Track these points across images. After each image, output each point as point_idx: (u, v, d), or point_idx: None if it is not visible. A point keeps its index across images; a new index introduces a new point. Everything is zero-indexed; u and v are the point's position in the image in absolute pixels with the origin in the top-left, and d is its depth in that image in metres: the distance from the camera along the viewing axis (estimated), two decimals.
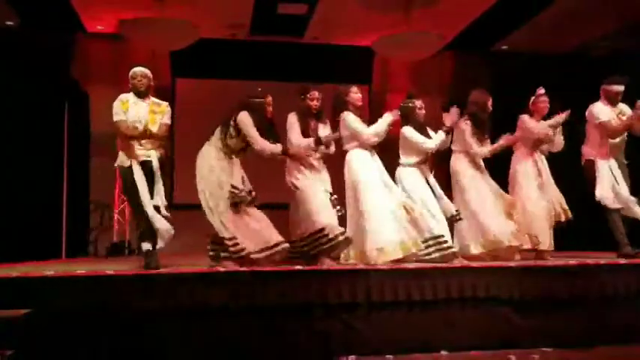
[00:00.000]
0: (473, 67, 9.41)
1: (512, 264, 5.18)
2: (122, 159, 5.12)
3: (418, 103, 5.78)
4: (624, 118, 5.92)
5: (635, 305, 4.93)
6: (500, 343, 4.66)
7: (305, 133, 5.54)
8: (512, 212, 5.86)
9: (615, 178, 5.87)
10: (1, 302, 4.14)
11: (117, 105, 5.12)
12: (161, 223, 5.00)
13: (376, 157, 5.63)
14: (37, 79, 7.89)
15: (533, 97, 6.13)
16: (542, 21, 8.32)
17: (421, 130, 5.75)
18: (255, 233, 5.06)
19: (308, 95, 5.61)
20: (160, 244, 5.03)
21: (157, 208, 5.03)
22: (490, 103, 5.96)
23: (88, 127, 8.49)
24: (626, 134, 6.03)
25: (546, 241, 5.89)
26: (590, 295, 4.88)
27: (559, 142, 6.10)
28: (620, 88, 5.99)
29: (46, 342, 4.16)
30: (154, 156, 5.11)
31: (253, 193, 5.17)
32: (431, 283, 4.68)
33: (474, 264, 5.17)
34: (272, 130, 5.32)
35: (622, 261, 5.27)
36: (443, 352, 4.58)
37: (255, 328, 4.47)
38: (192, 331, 4.39)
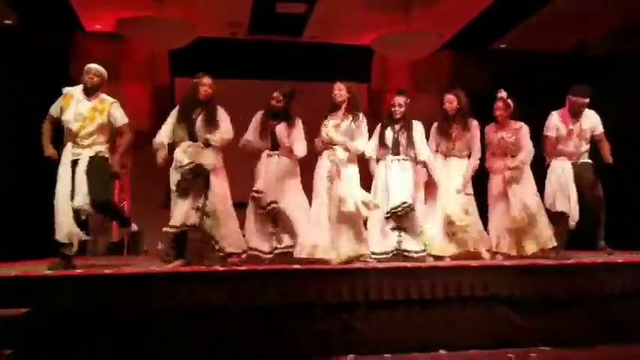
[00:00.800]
0: (471, 66, 9.39)
1: (509, 263, 5.19)
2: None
3: (395, 99, 5.78)
4: (574, 133, 5.90)
5: (634, 304, 4.94)
6: (499, 342, 4.68)
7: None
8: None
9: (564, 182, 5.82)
10: (0, 301, 4.13)
11: (59, 99, 5.21)
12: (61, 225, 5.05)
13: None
14: (35, 78, 7.86)
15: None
16: (540, 20, 8.31)
17: (391, 124, 5.75)
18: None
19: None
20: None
21: (77, 211, 5.07)
22: (447, 99, 5.92)
23: None
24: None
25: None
26: (589, 294, 4.90)
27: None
28: (585, 101, 5.92)
29: (45, 341, 4.17)
30: (85, 155, 5.08)
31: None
32: (429, 283, 4.70)
33: (473, 263, 5.17)
34: (207, 112, 5.36)
35: (620, 260, 5.27)
36: (442, 352, 4.60)
37: (255, 328, 4.48)
38: (192, 331, 4.40)
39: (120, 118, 5.23)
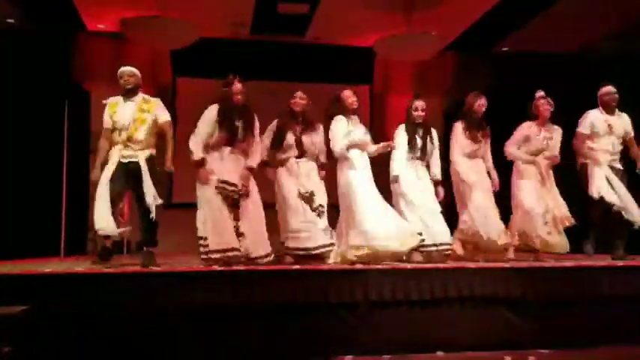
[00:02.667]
0: (474, 68, 9.39)
1: (509, 265, 5.18)
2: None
3: (417, 104, 5.79)
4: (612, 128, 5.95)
5: (634, 306, 4.92)
6: (498, 343, 4.66)
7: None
8: None
9: (610, 181, 5.86)
10: (0, 299, 4.13)
11: (107, 109, 5.18)
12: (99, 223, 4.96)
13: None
14: (37, 78, 7.87)
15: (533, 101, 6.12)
16: (543, 22, 8.31)
17: (414, 131, 5.76)
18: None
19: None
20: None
21: (147, 210, 5.02)
22: (480, 103, 5.93)
23: (89, 125, 8.47)
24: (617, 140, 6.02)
25: (537, 242, 5.87)
26: (589, 296, 4.89)
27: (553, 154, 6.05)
28: (614, 91, 6.00)
29: (44, 339, 4.16)
30: (141, 157, 5.10)
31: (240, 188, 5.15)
32: (429, 283, 4.69)
33: (472, 264, 5.16)
34: (243, 116, 5.27)
35: (620, 263, 5.27)
36: (440, 353, 4.58)
37: (255, 328, 4.47)
38: (192, 331, 4.39)
39: (163, 115, 5.26)
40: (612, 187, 5.81)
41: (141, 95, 5.26)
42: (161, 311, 4.34)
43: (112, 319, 4.28)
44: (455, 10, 8.03)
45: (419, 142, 5.74)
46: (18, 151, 7.52)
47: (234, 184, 5.10)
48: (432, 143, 5.83)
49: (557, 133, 6.10)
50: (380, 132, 8.08)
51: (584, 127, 6.03)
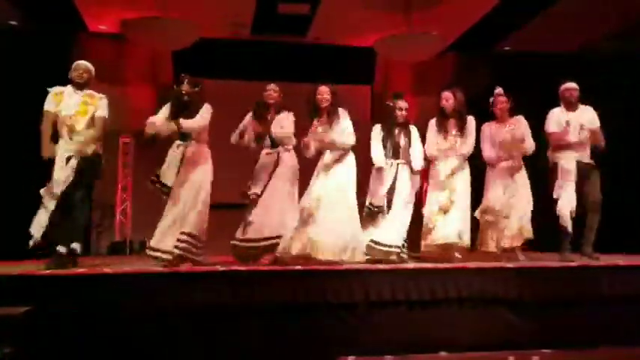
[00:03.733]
0: (475, 68, 9.39)
1: (510, 265, 5.18)
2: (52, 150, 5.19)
3: (399, 103, 5.77)
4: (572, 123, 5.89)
5: (634, 306, 4.92)
6: (499, 344, 4.66)
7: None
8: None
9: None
10: (1, 300, 4.14)
11: (50, 97, 5.26)
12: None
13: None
14: (38, 78, 7.87)
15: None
16: (543, 22, 8.31)
17: (391, 131, 5.73)
18: None
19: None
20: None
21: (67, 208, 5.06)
22: (444, 96, 5.89)
23: None
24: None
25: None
26: (589, 296, 4.88)
27: (529, 145, 5.99)
28: (573, 86, 6.03)
29: (45, 340, 4.17)
30: (75, 153, 5.12)
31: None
32: (429, 284, 4.69)
33: (472, 264, 5.17)
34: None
35: (621, 262, 5.26)
36: (442, 353, 4.58)
37: (255, 329, 4.47)
38: (193, 331, 4.39)
39: (103, 112, 5.29)
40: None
41: (87, 91, 5.33)
42: (161, 311, 4.35)
43: (113, 319, 4.29)
44: (455, 11, 8.04)
45: (390, 142, 5.71)
46: (18, 152, 7.54)
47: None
48: (409, 141, 5.75)
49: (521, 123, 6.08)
50: None
51: (551, 125, 5.99)
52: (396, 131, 5.75)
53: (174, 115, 5.25)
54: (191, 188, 5.20)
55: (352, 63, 9.25)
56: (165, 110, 5.35)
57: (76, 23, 8.38)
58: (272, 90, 5.83)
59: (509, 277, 4.86)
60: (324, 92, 5.55)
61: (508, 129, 6.03)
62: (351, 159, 5.54)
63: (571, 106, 6.01)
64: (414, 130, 5.84)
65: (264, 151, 5.78)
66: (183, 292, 4.41)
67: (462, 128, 5.83)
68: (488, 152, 6.04)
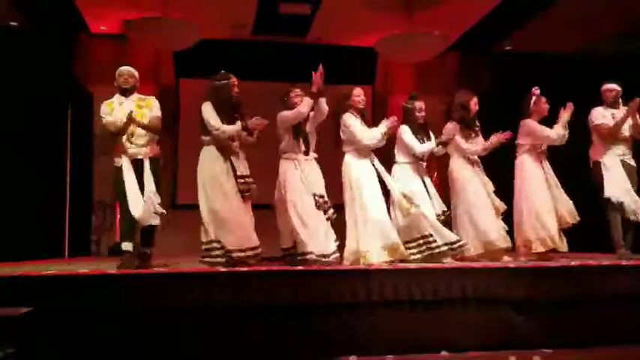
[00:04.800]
0: (476, 67, 9.39)
1: (512, 265, 5.19)
2: (116, 159, 5.24)
3: (418, 104, 5.79)
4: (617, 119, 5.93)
5: (634, 306, 4.92)
6: (501, 343, 4.66)
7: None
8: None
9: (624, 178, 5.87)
10: (3, 300, 4.14)
11: (103, 107, 5.29)
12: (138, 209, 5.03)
13: (375, 161, 5.67)
14: (40, 80, 7.90)
15: (533, 99, 6.13)
16: (545, 22, 8.31)
17: (418, 131, 5.77)
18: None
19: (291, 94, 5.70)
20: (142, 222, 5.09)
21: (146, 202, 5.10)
22: (474, 102, 5.98)
23: (92, 127, 8.51)
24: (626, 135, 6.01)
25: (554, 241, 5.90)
26: (592, 296, 4.88)
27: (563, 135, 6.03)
28: (617, 88, 6.05)
29: (47, 340, 4.17)
30: (144, 154, 5.20)
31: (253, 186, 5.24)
32: (431, 284, 4.68)
33: (475, 264, 5.17)
34: (238, 110, 5.36)
35: (623, 262, 5.27)
36: (444, 353, 4.58)
37: (256, 329, 4.47)
38: (193, 331, 4.40)
39: (157, 112, 5.38)
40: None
41: (137, 95, 5.39)
42: (161, 311, 4.36)
43: (114, 319, 4.29)
44: (456, 11, 8.03)
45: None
46: (21, 153, 7.56)
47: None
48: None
49: None
50: None
51: (597, 118, 6.01)
52: (419, 133, 5.79)
53: (228, 117, 5.25)
54: None
55: (353, 63, 9.23)
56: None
57: (77, 24, 8.39)
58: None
59: (511, 277, 4.86)
60: (361, 94, 5.69)
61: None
62: None
63: (613, 105, 6.05)
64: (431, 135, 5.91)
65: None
66: (183, 292, 4.41)
67: (478, 131, 6.05)
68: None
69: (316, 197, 5.41)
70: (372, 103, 9.51)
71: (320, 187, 5.51)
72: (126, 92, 5.32)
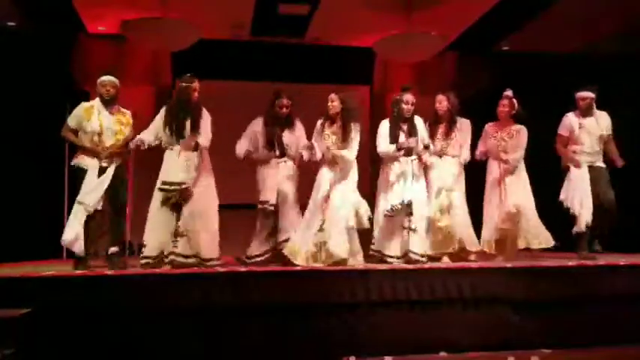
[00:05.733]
0: (474, 67, 9.38)
1: (510, 265, 5.19)
2: (79, 161, 5.28)
3: (407, 97, 5.64)
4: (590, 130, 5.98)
5: (634, 306, 4.93)
6: (500, 344, 4.66)
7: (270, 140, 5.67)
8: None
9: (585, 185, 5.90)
10: (1, 302, 4.14)
11: (79, 110, 5.29)
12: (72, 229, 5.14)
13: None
14: (38, 80, 7.89)
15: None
16: (544, 21, 8.30)
17: (399, 125, 5.63)
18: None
19: (277, 102, 5.69)
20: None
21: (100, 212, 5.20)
22: (439, 100, 6.03)
23: None
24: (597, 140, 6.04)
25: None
26: (590, 296, 4.89)
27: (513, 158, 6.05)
28: (591, 95, 6.03)
29: (46, 341, 4.17)
30: (110, 164, 5.23)
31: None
32: (430, 284, 4.70)
33: (474, 265, 5.17)
34: (192, 115, 5.39)
35: (622, 262, 5.27)
36: (442, 354, 4.59)
37: (256, 329, 4.48)
38: (193, 331, 4.40)
39: (129, 131, 5.39)
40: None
41: (119, 108, 5.40)
42: (161, 311, 4.36)
43: (113, 320, 4.30)
44: (454, 10, 8.02)
45: (402, 137, 5.59)
46: (19, 153, 7.54)
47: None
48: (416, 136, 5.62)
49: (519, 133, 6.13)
50: None
51: (561, 128, 6.10)
52: (402, 126, 5.63)
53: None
54: None
55: (351, 63, 9.23)
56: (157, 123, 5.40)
57: (76, 24, 8.36)
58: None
59: (509, 277, 4.87)
60: (334, 99, 5.48)
61: (503, 135, 6.08)
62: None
63: (585, 113, 6.05)
64: (419, 123, 5.73)
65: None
66: (183, 292, 4.41)
67: (450, 132, 5.95)
68: (478, 149, 6.20)
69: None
70: (370, 103, 9.52)
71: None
72: (107, 102, 5.30)
